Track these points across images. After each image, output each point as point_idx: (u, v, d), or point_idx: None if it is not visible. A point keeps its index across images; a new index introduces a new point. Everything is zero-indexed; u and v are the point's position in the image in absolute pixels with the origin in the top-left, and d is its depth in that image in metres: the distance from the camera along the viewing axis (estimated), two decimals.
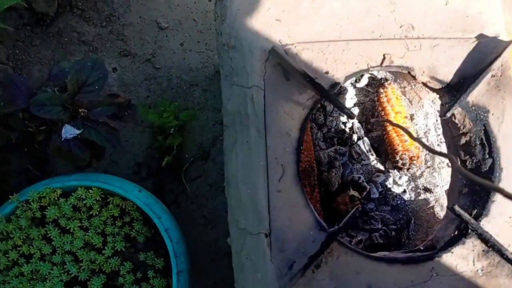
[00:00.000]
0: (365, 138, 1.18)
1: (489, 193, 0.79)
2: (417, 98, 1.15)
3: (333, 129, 1.20)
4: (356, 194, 1.10)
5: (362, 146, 1.17)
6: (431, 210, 1.14)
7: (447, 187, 1.04)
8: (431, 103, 1.15)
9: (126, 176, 1.28)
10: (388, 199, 1.14)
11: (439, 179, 1.14)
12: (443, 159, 1.14)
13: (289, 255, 0.77)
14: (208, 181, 1.37)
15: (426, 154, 1.17)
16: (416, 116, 1.18)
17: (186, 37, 1.44)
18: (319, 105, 1.18)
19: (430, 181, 1.15)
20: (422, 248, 0.84)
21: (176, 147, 1.30)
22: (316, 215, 0.79)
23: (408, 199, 1.16)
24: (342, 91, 1.18)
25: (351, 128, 1.20)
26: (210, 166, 1.38)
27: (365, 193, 1.12)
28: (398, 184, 1.14)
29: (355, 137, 1.19)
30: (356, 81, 1.19)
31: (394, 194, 1.14)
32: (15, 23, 1.40)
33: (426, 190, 1.15)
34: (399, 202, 1.15)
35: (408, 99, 1.17)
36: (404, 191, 1.16)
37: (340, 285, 0.76)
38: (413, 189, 1.16)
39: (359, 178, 1.12)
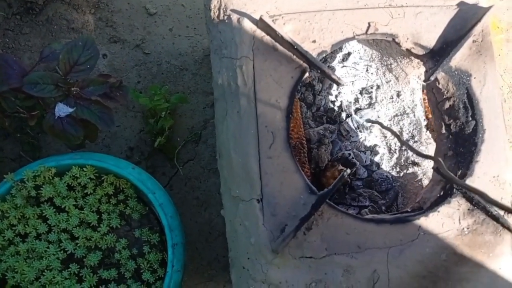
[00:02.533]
0: (354, 116, 1.20)
1: (473, 154, 0.82)
2: (403, 74, 1.17)
3: (322, 107, 1.22)
4: (345, 169, 1.12)
5: (350, 124, 1.19)
6: (419, 183, 1.16)
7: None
8: (417, 79, 1.18)
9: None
10: (376, 179, 1.16)
11: (426, 152, 1.16)
12: (429, 134, 1.17)
13: (281, 219, 0.80)
14: (200, 163, 1.39)
15: (413, 129, 1.19)
16: (403, 93, 1.21)
17: (175, 23, 1.46)
18: (307, 83, 1.20)
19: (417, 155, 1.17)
20: (409, 210, 0.87)
21: (167, 129, 1.31)
22: (306, 179, 0.81)
23: (397, 174, 1.19)
24: (331, 69, 1.20)
25: (340, 107, 1.22)
26: (202, 148, 1.40)
27: (354, 168, 1.14)
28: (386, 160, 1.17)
29: (343, 115, 1.21)
30: (343, 60, 1.21)
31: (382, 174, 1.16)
32: (4, 12, 1.41)
33: (414, 164, 1.18)
34: (384, 179, 1.17)
35: (395, 76, 1.20)
36: (392, 168, 1.19)
37: (331, 245, 0.79)
38: (400, 163, 1.19)
39: (349, 154, 1.15)
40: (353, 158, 1.15)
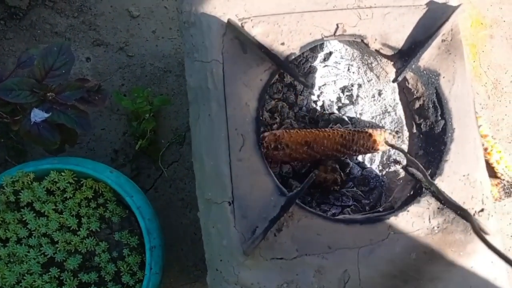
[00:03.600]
0: (336, 113, 1.20)
1: (442, 153, 0.82)
2: (384, 73, 1.18)
3: (304, 107, 1.23)
4: (337, 167, 1.13)
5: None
6: (401, 181, 1.17)
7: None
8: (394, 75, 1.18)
9: (104, 163, 1.30)
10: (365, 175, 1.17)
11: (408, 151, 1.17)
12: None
13: (251, 221, 0.80)
14: (185, 165, 1.40)
15: (395, 128, 1.20)
16: (384, 91, 1.21)
17: (158, 25, 1.46)
18: (289, 84, 1.21)
19: (400, 153, 1.18)
20: (381, 210, 0.87)
21: (150, 131, 1.32)
22: (276, 181, 0.81)
23: (379, 172, 1.19)
24: (312, 70, 1.20)
25: (322, 106, 1.23)
26: (186, 150, 1.40)
27: (348, 168, 1.15)
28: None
29: (326, 114, 1.21)
30: (324, 60, 1.21)
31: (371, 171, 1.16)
32: None
33: (396, 162, 1.18)
34: (373, 177, 1.17)
35: (376, 74, 1.20)
36: (376, 167, 1.19)
37: (302, 246, 0.79)
38: (383, 162, 1.19)
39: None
40: (346, 158, 1.16)
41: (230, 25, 0.82)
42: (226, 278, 0.82)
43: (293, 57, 0.84)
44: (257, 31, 0.84)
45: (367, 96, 1.21)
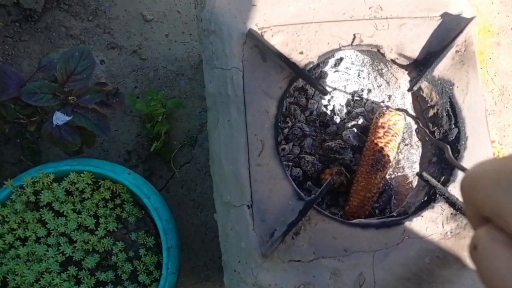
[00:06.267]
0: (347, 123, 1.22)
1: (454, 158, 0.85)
2: (394, 79, 1.20)
3: (315, 111, 1.25)
4: (343, 170, 1.15)
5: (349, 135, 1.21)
6: (410, 185, 1.19)
7: None
8: (407, 84, 1.20)
9: (117, 163, 1.32)
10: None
11: (416, 155, 1.19)
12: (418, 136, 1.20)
13: (270, 224, 0.83)
14: (197, 166, 1.42)
15: (404, 133, 1.22)
16: (394, 97, 1.23)
17: (171, 29, 1.49)
18: (300, 88, 1.23)
19: (408, 157, 1.20)
20: (395, 214, 0.89)
21: (164, 133, 1.34)
22: (294, 186, 0.84)
23: (388, 176, 1.21)
24: (323, 75, 1.23)
25: (332, 110, 1.25)
26: (198, 151, 1.43)
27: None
28: None
29: (336, 118, 1.24)
30: (335, 65, 1.24)
31: None
32: (4, 19, 1.44)
33: (405, 166, 1.21)
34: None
35: (386, 80, 1.22)
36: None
37: (318, 249, 0.82)
38: (392, 166, 1.21)
39: (351, 161, 1.17)
40: (354, 164, 1.18)
41: (250, 34, 0.85)
42: (244, 279, 0.84)
43: (311, 65, 0.86)
44: (277, 40, 0.86)
45: (377, 101, 1.24)
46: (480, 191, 0.30)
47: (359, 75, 1.26)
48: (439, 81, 0.87)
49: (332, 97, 1.25)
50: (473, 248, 0.31)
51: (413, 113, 1.16)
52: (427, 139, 0.98)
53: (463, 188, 0.33)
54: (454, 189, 0.84)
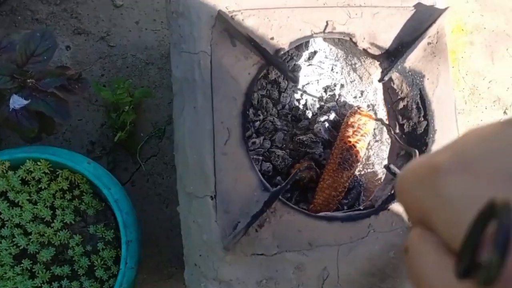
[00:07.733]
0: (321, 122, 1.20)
1: (423, 154, 0.83)
2: (367, 74, 1.19)
3: (287, 105, 1.23)
4: (313, 165, 1.13)
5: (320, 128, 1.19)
6: (379, 182, 1.18)
7: None
8: (379, 75, 1.19)
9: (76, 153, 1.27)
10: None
11: (387, 151, 1.18)
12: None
13: (233, 216, 0.79)
14: (164, 159, 1.38)
15: (375, 128, 1.21)
16: (366, 92, 1.22)
17: (141, 15, 1.44)
18: (273, 80, 1.20)
19: (378, 154, 1.19)
20: (362, 208, 0.87)
21: (129, 123, 1.29)
22: (261, 176, 0.81)
23: (358, 172, 1.20)
24: (296, 68, 1.20)
25: (305, 105, 1.23)
26: (165, 144, 1.38)
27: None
28: None
29: (309, 113, 1.21)
30: (309, 58, 1.21)
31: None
32: None
33: (375, 162, 1.19)
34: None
35: (359, 75, 1.21)
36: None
37: (283, 243, 0.79)
38: (362, 162, 1.20)
39: (320, 156, 1.15)
40: (323, 159, 1.16)
41: (220, 16, 0.81)
42: (204, 274, 0.81)
43: (282, 52, 0.84)
44: (247, 25, 0.83)
45: (349, 96, 1.22)
46: (406, 193, 0.29)
47: (332, 69, 1.24)
48: (410, 73, 0.86)
49: (305, 91, 1.23)
50: (405, 251, 0.29)
51: (386, 115, 1.15)
52: (397, 144, 0.96)
53: (396, 193, 0.31)
54: None
